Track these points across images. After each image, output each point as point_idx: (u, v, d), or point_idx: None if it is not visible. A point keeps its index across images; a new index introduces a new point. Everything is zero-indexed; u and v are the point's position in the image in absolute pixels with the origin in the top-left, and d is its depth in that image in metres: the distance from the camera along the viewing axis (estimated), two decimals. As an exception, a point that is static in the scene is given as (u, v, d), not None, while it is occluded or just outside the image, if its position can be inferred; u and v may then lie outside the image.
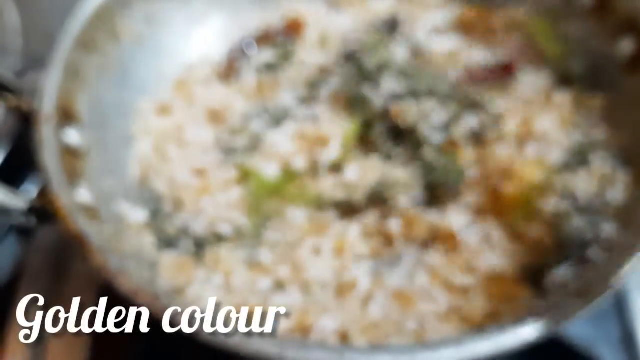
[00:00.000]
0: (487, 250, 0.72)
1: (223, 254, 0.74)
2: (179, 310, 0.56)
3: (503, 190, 0.75)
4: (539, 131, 0.79)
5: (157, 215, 0.79)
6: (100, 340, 0.79)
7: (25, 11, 1.14)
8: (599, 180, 0.74)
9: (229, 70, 0.94)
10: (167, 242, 0.76)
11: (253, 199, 0.79)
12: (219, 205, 0.78)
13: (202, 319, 0.55)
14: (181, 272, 0.72)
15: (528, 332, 0.55)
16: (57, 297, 0.83)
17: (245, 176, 0.81)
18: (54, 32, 0.82)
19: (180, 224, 0.77)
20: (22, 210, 0.67)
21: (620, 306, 0.80)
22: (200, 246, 0.76)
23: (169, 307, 0.56)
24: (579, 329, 0.77)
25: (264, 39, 0.96)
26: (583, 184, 0.74)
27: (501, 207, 0.75)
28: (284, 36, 0.95)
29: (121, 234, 0.73)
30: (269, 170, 0.80)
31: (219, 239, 0.76)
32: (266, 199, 0.79)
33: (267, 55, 0.94)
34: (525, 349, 0.55)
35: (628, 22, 0.79)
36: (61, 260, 0.87)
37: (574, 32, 0.87)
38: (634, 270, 0.58)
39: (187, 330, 0.55)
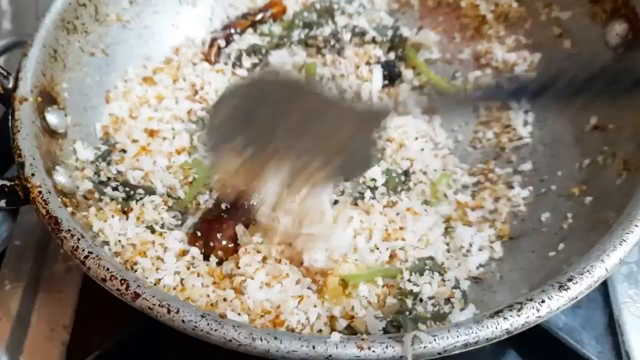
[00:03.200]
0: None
1: (149, 209, 0.75)
2: (149, 297, 0.55)
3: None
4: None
5: (101, 158, 0.80)
6: (80, 323, 0.79)
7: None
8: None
9: (211, 51, 0.93)
10: (101, 183, 0.77)
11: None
12: (156, 166, 0.79)
13: (176, 308, 0.54)
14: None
15: (508, 324, 0.54)
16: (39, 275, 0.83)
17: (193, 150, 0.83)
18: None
19: (116, 171, 0.79)
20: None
21: (606, 295, 0.79)
22: (129, 196, 0.77)
23: (140, 295, 0.55)
24: (565, 316, 0.77)
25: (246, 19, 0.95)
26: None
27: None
28: (267, 17, 0.94)
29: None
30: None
31: (149, 192, 0.77)
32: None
33: (251, 36, 0.93)
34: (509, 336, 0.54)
35: (621, 3, 0.77)
36: (43, 240, 0.86)
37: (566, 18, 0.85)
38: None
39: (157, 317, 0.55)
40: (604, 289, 0.80)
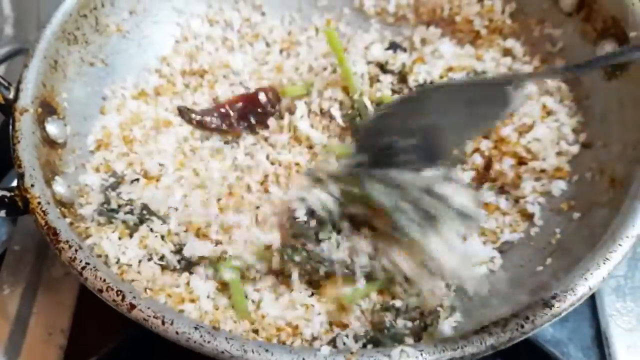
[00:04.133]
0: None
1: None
2: (144, 309, 0.56)
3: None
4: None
5: (110, 188, 0.80)
6: (78, 328, 0.80)
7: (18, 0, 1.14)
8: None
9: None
10: (111, 210, 0.77)
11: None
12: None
13: (170, 320, 0.56)
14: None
15: (493, 340, 0.55)
16: (37, 279, 0.84)
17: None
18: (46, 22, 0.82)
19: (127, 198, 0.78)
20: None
21: (593, 308, 0.80)
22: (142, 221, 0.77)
23: (136, 306, 0.57)
24: (552, 328, 0.78)
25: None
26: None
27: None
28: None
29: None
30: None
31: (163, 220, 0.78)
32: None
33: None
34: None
35: (612, 23, 0.78)
36: (42, 245, 0.87)
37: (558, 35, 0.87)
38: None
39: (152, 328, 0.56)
40: (591, 302, 0.80)
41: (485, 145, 0.84)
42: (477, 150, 0.83)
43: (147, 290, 0.69)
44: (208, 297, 0.71)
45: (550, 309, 0.56)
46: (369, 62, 0.90)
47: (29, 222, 0.86)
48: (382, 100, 0.85)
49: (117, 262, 0.71)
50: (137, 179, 0.80)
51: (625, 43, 0.75)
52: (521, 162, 0.82)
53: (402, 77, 0.89)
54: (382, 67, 0.89)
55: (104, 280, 0.59)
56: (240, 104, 0.90)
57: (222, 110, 0.90)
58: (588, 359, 0.77)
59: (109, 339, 0.78)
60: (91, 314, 0.80)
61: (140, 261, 0.72)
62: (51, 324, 0.80)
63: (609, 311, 0.79)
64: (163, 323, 0.56)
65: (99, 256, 0.70)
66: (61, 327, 0.80)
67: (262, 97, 0.90)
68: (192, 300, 0.70)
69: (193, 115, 0.89)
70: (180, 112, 0.91)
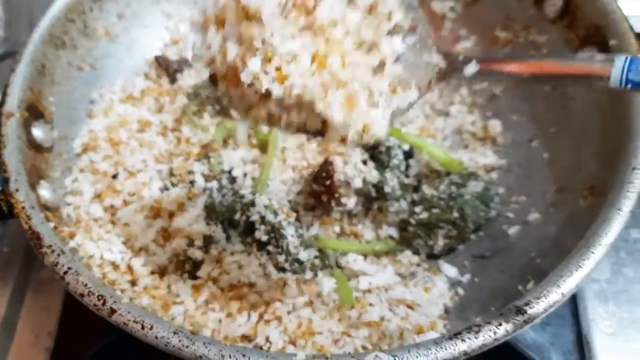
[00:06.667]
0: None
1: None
2: (124, 314, 0.57)
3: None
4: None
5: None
6: (64, 330, 0.81)
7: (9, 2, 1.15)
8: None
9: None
10: None
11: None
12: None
13: (149, 325, 0.56)
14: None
15: (466, 346, 0.55)
16: (26, 281, 0.85)
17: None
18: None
19: None
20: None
21: (575, 312, 0.81)
22: None
23: (116, 311, 0.58)
24: (533, 332, 0.79)
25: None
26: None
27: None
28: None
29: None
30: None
31: None
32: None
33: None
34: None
35: (594, 30, 0.79)
36: (30, 247, 0.87)
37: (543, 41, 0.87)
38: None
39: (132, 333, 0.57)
40: (573, 306, 0.81)
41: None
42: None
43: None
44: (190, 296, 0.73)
45: (523, 315, 0.56)
46: None
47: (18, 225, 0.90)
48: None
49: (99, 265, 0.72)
50: (116, 175, 0.82)
51: (605, 50, 0.75)
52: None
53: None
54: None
55: (86, 285, 0.59)
56: None
57: None
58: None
59: (95, 342, 0.78)
60: (78, 317, 0.80)
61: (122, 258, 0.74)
62: (38, 327, 0.81)
63: (590, 315, 0.80)
64: (142, 327, 0.56)
65: (82, 258, 0.71)
66: (48, 330, 0.81)
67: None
68: (176, 303, 0.71)
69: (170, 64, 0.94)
70: (158, 62, 0.94)
